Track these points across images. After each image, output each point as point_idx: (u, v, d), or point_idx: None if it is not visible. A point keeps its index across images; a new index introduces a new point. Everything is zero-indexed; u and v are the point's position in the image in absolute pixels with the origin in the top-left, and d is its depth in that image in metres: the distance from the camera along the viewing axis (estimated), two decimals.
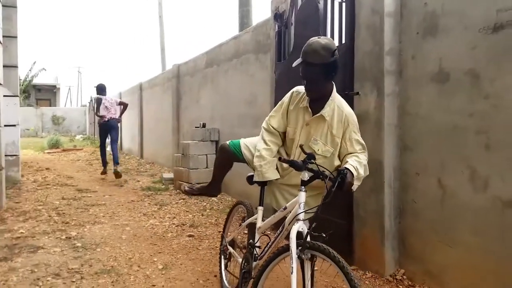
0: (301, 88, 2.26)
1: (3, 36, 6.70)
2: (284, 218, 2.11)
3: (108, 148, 8.22)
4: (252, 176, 2.38)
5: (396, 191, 2.99)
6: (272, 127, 2.31)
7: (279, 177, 2.29)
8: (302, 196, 1.92)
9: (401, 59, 2.98)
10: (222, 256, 2.91)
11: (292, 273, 1.71)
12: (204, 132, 6.52)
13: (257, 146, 2.32)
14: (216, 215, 4.94)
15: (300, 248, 1.77)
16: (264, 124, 2.37)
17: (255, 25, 5.62)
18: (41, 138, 21.23)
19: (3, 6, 6.41)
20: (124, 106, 8.17)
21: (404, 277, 2.93)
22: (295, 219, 1.90)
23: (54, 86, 33.94)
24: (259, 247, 2.31)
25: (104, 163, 8.02)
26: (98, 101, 7.75)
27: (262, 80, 5.04)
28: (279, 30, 4.38)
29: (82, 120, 29.19)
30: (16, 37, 7.09)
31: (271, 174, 2.25)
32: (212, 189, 2.74)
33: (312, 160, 1.89)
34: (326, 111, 2.15)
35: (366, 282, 2.95)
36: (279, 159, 2.03)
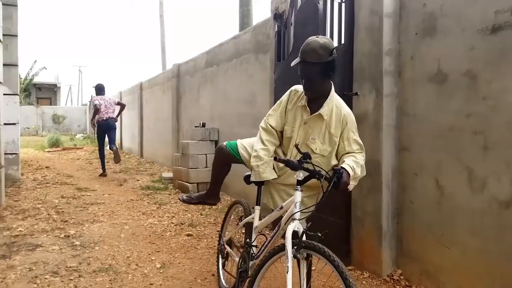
0: (299, 87, 2.26)
1: (4, 35, 6.71)
2: (281, 217, 2.12)
3: (107, 147, 8.35)
4: (249, 175, 2.38)
5: (394, 192, 2.99)
6: (271, 126, 2.31)
7: (276, 176, 2.29)
8: (298, 195, 1.93)
9: (400, 60, 2.99)
10: (220, 255, 2.91)
11: (287, 272, 1.71)
12: (204, 132, 6.53)
13: (255, 146, 2.31)
14: (215, 215, 4.95)
15: (295, 247, 1.77)
16: (262, 124, 2.37)
17: (255, 25, 5.63)
18: (41, 137, 21.25)
19: (3, 4, 6.42)
20: (121, 106, 8.30)
21: (401, 277, 2.93)
22: (291, 218, 1.90)
23: (55, 85, 33.96)
24: (256, 246, 2.32)
25: (103, 165, 8.12)
26: (95, 108, 7.88)
27: (262, 80, 5.04)
28: (279, 30, 4.38)
29: (82, 119, 29.19)
30: (16, 35, 7.11)
31: (268, 174, 2.26)
32: (210, 197, 2.72)
33: (308, 160, 1.90)
34: (324, 110, 2.15)
35: (363, 282, 2.96)
36: (275, 158, 2.04)
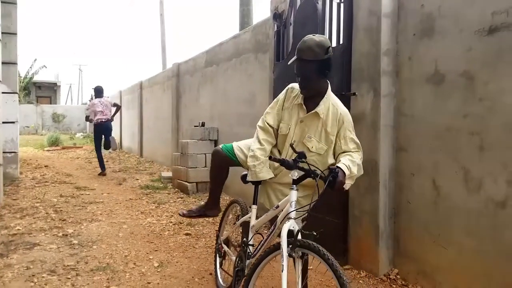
0: (296, 85, 2.27)
1: (3, 33, 6.72)
2: (277, 216, 2.12)
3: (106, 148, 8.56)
4: (246, 175, 2.39)
5: (391, 191, 3.00)
6: (268, 124, 2.31)
7: (273, 176, 2.30)
8: (294, 194, 1.93)
9: (398, 60, 3.00)
10: (217, 254, 2.92)
11: (282, 271, 1.72)
12: (203, 131, 6.53)
13: (251, 146, 2.32)
14: None
15: (290, 246, 1.78)
16: (259, 123, 2.37)
17: (255, 24, 5.63)
18: (41, 136, 21.25)
19: (2, 2, 6.43)
20: (117, 107, 8.65)
21: (398, 276, 2.94)
22: (287, 217, 1.91)
23: (55, 84, 33.93)
24: (252, 245, 2.32)
25: (102, 165, 8.20)
26: (91, 109, 8.28)
27: (261, 80, 5.05)
28: (278, 30, 4.39)
29: (82, 118, 29.03)
30: (15, 34, 7.11)
31: (265, 173, 2.26)
32: (210, 208, 2.69)
33: (303, 159, 1.90)
34: (321, 108, 2.16)
35: (360, 281, 2.97)
36: (270, 158, 2.04)
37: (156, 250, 3.62)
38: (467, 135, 2.47)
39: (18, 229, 4.08)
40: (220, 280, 2.83)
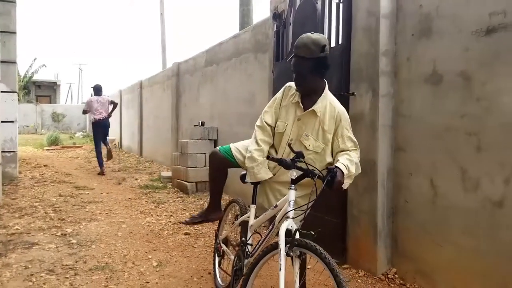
0: (293, 84, 2.28)
1: (2, 32, 6.72)
2: (276, 216, 2.13)
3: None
4: (245, 174, 2.39)
5: (389, 191, 3.01)
6: (266, 123, 2.32)
7: (272, 175, 2.30)
8: (292, 194, 1.94)
9: (396, 61, 3.00)
10: (216, 254, 2.93)
11: (280, 270, 1.73)
12: (203, 131, 6.54)
13: (249, 147, 2.31)
14: None
15: (288, 245, 1.79)
16: (258, 122, 2.38)
17: (254, 24, 5.64)
18: (40, 135, 21.24)
19: (1, 1, 6.43)
20: (114, 104, 8.87)
21: (396, 275, 2.95)
22: (285, 217, 1.92)
23: (55, 83, 33.89)
24: (251, 244, 2.33)
25: (101, 163, 8.32)
26: (88, 106, 8.76)
27: (261, 79, 5.05)
28: (278, 30, 4.40)
29: (82, 117, 29.08)
30: (15, 32, 7.10)
31: (264, 174, 2.26)
32: (212, 211, 2.67)
33: (301, 159, 1.91)
34: (318, 106, 2.17)
35: (358, 280, 2.97)
36: (267, 157, 2.05)
37: (155, 250, 3.62)
38: (464, 135, 2.48)
39: (17, 229, 4.08)
40: (219, 280, 2.83)
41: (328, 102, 2.19)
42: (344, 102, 2.99)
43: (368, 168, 2.98)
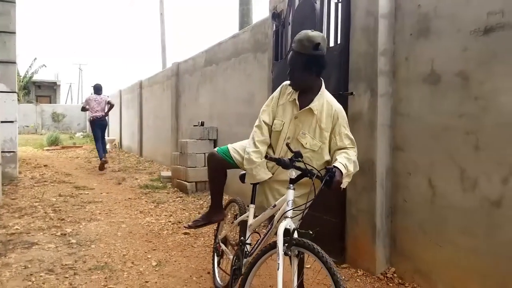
0: None
1: (1, 32, 6.72)
2: (275, 215, 2.13)
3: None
4: (245, 174, 2.40)
5: (387, 191, 3.02)
6: (264, 122, 2.33)
7: (271, 175, 2.30)
8: (290, 194, 1.95)
9: (394, 60, 3.01)
10: (215, 254, 2.94)
11: (278, 269, 1.73)
12: (203, 131, 6.54)
13: (247, 148, 2.31)
14: None
15: (286, 244, 1.79)
16: (256, 122, 2.38)
17: (254, 24, 5.64)
18: (40, 135, 21.24)
19: (0, 1, 6.43)
20: (110, 105, 9.18)
21: (395, 275, 2.96)
22: (283, 216, 1.92)
23: (55, 83, 33.88)
24: (249, 244, 2.34)
25: (101, 155, 8.67)
26: (86, 103, 9.19)
27: (260, 79, 5.06)
28: (277, 30, 4.40)
29: (82, 117, 29.12)
30: (14, 32, 7.10)
31: (263, 174, 2.27)
32: (214, 213, 2.65)
33: (299, 158, 1.91)
34: (315, 104, 2.17)
35: (357, 280, 2.98)
36: (265, 157, 2.05)
37: (154, 249, 3.63)
38: (462, 135, 2.48)
39: (17, 229, 4.09)
40: (218, 279, 2.84)
41: (325, 100, 2.20)
42: (343, 101, 3.00)
43: (367, 167, 2.99)
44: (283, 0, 4.27)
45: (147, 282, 2.92)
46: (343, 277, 2.58)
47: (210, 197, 2.69)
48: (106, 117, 9.21)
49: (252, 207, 2.40)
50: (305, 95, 2.22)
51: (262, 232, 2.35)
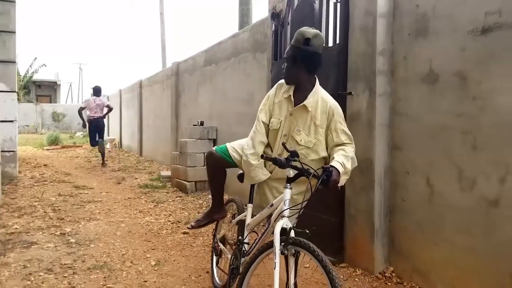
0: None
1: (1, 31, 6.72)
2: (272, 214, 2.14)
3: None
4: (243, 174, 2.40)
5: (386, 190, 3.02)
6: (262, 121, 2.33)
7: (269, 175, 2.30)
8: (287, 193, 1.95)
9: (393, 60, 3.01)
10: (214, 253, 2.94)
11: (275, 268, 1.74)
12: (202, 130, 6.55)
13: (244, 150, 2.31)
14: None
15: (283, 244, 1.80)
16: (255, 122, 2.39)
17: (253, 24, 5.65)
18: (40, 135, 21.25)
19: (0, 1, 6.44)
20: (109, 108, 9.62)
21: (393, 274, 2.97)
22: (280, 215, 1.92)
23: (55, 83, 33.90)
24: (247, 243, 2.34)
25: (93, 142, 9.42)
26: (85, 104, 9.60)
27: (259, 79, 5.06)
28: (276, 30, 4.40)
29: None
30: (14, 32, 7.10)
31: (261, 175, 2.27)
32: (216, 211, 2.65)
33: (296, 158, 1.91)
34: (309, 101, 2.18)
35: (356, 279, 2.99)
36: (262, 156, 2.05)
37: (153, 249, 3.63)
38: (460, 134, 2.49)
39: (16, 228, 4.10)
40: (216, 278, 2.85)
41: (319, 97, 2.20)
42: (341, 101, 3.00)
43: (365, 167, 2.99)
44: (282, 0, 4.27)
45: (146, 281, 2.92)
46: (339, 275, 2.58)
47: (210, 196, 2.69)
48: (104, 119, 9.56)
49: (250, 207, 2.40)
50: (300, 92, 2.22)
51: (260, 232, 2.36)
